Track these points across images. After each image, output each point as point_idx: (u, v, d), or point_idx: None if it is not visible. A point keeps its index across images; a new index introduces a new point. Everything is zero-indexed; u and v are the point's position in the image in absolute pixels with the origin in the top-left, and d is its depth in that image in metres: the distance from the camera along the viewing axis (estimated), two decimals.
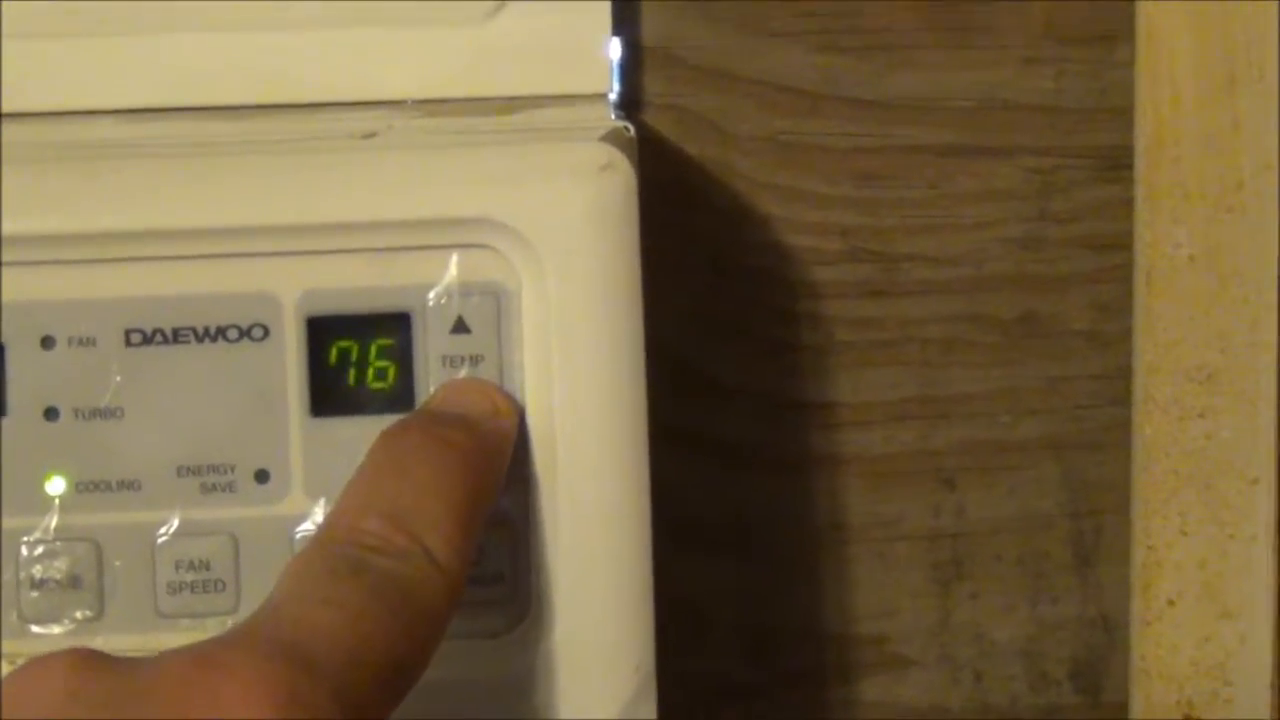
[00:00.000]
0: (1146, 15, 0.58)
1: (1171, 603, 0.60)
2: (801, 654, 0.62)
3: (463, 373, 0.52)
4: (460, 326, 0.52)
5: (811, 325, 0.61)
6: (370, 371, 0.52)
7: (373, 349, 0.52)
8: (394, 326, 0.52)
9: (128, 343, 0.51)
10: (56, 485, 0.52)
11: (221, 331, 0.52)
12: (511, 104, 0.56)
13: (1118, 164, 0.60)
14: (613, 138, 0.51)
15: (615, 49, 0.57)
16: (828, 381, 0.61)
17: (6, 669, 0.51)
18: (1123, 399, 0.61)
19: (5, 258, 0.51)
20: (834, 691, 0.63)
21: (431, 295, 0.52)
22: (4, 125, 0.54)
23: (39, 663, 0.39)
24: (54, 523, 0.52)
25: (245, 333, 0.52)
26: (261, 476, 0.52)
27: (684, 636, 0.60)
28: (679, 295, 0.60)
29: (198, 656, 0.39)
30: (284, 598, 0.42)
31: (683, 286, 0.60)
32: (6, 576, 0.52)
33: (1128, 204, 0.60)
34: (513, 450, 0.50)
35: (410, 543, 0.45)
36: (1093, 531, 0.62)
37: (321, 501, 0.52)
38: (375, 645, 0.41)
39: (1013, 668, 0.63)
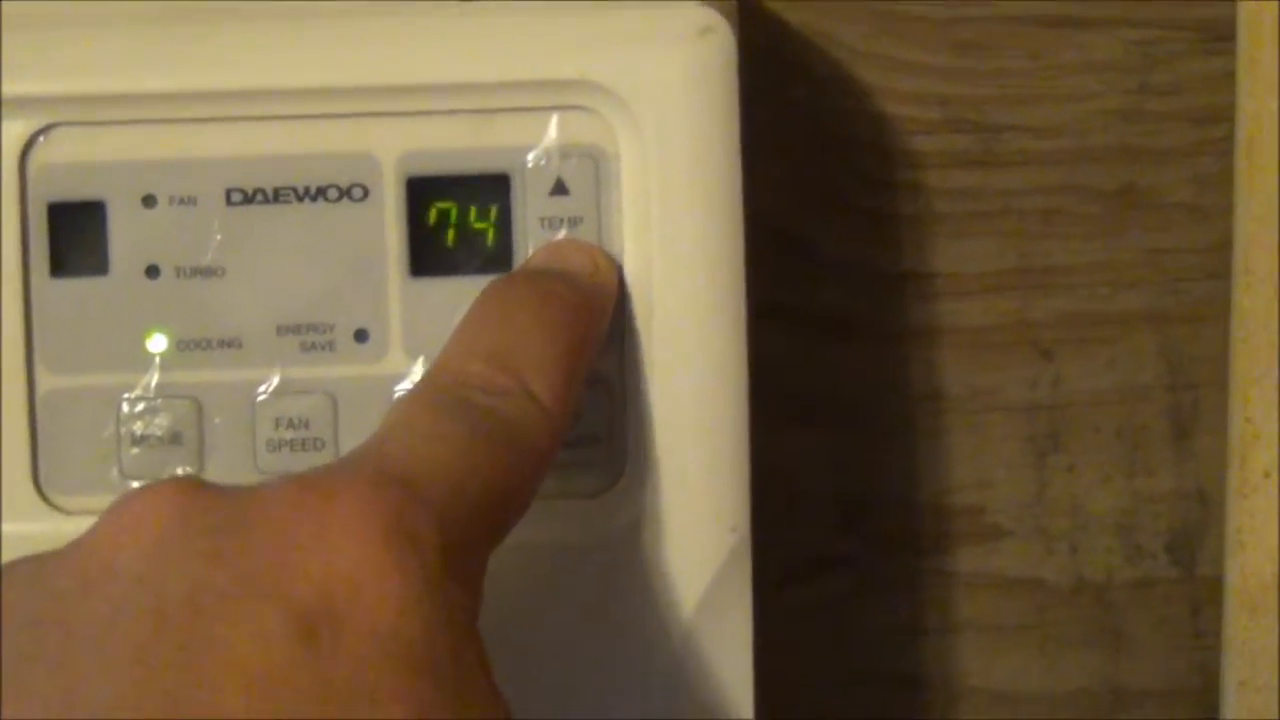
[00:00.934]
0: None
1: (1268, 475, 0.58)
2: (896, 524, 0.61)
3: (561, 234, 0.51)
4: (559, 188, 0.51)
5: (910, 196, 0.60)
6: (469, 232, 0.51)
7: (472, 210, 0.51)
8: (493, 188, 0.51)
9: (229, 202, 0.51)
10: (158, 343, 0.51)
11: (321, 191, 0.51)
12: None
13: (1219, 36, 0.59)
14: (713, 1, 0.50)
15: None
16: (925, 252, 0.60)
17: None
18: (1222, 272, 0.60)
19: (107, 116, 0.51)
20: (928, 562, 0.62)
21: (530, 157, 0.51)
22: None
23: (148, 490, 0.39)
24: (155, 380, 0.51)
25: (345, 193, 0.51)
26: (361, 336, 0.51)
27: (778, 507, 0.59)
28: (776, 165, 0.58)
29: (304, 483, 0.38)
30: (389, 432, 0.42)
31: (780, 156, 0.59)
32: (108, 433, 0.51)
33: (1229, 77, 0.58)
34: (613, 309, 0.49)
35: (514, 383, 0.44)
36: (1190, 404, 0.61)
37: (420, 361, 0.51)
38: (479, 479, 0.41)
39: (1108, 540, 0.62)
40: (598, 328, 0.49)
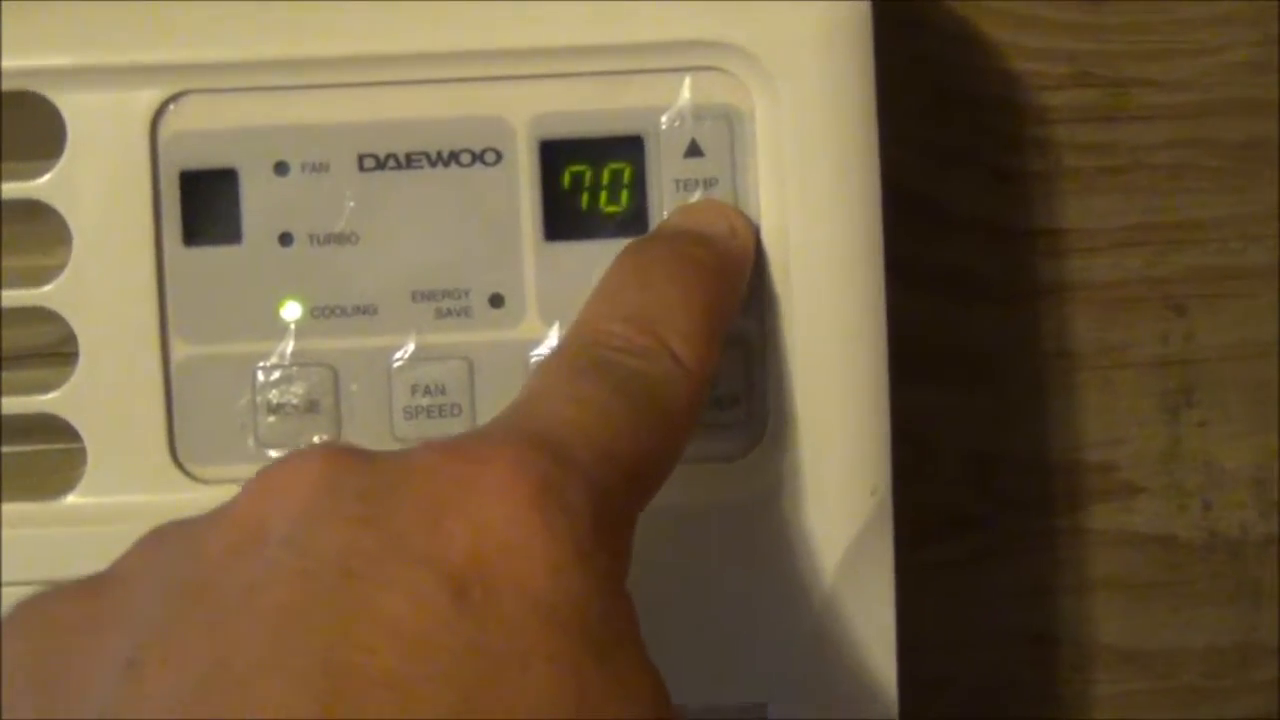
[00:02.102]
0: None
1: None
2: (1027, 483, 0.60)
3: (696, 196, 0.49)
4: (694, 150, 0.49)
5: (1038, 151, 0.58)
6: (603, 195, 0.50)
7: (605, 173, 0.50)
8: (627, 150, 0.50)
9: (361, 168, 0.49)
10: (292, 310, 0.50)
11: (454, 156, 0.49)
12: None
13: None
14: None
15: None
16: (1055, 208, 0.58)
17: None
18: None
19: (238, 83, 0.49)
20: (1060, 520, 0.60)
21: (664, 118, 0.49)
22: None
23: (296, 456, 0.37)
24: (290, 348, 0.50)
25: (478, 157, 0.49)
26: (496, 301, 0.50)
27: (910, 466, 0.58)
28: (904, 122, 0.57)
29: (452, 448, 0.37)
30: (533, 395, 0.41)
31: (907, 113, 0.57)
32: (243, 402, 0.50)
33: None
34: (750, 270, 0.48)
35: (655, 344, 0.43)
36: None
37: (556, 325, 0.50)
38: (625, 441, 0.40)
39: (1242, 495, 0.60)
40: (737, 289, 0.47)
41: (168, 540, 0.38)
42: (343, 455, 0.38)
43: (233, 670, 0.33)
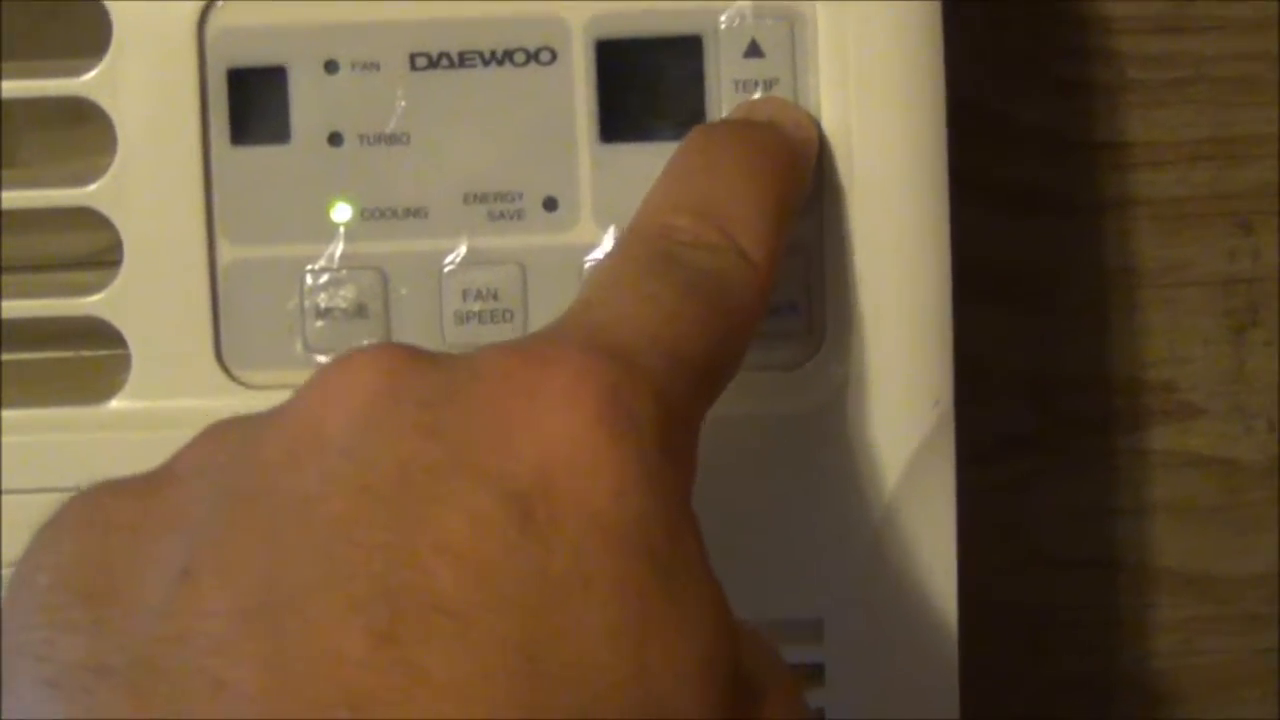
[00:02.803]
0: None
1: None
2: (1088, 401, 0.58)
3: (756, 96, 0.48)
4: (753, 50, 0.48)
5: (1103, 62, 0.56)
6: (660, 96, 0.48)
7: (663, 73, 0.48)
8: (685, 50, 0.48)
9: (412, 67, 0.48)
10: (342, 212, 0.48)
11: (508, 55, 0.48)
12: None
13: None
14: None
15: None
16: (1119, 120, 0.57)
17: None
18: None
19: None
20: (1121, 439, 0.59)
21: (723, 18, 0.48)
22: None
23: (357, 355, 0.36)
24: (339, 250, 0.48)
25: (532, 56, 0.48)
26: (550, 204, 0.48)
27: (968, 384, 0.56)
28: (965, 32, 0.55)
29: (517, 351, 0.35)
30: (598, 294, 0.39)
31: (970, 23, 0.55)
32: (291, 305, 0.49)
33: None
34: (814, 166, 0.46)
35: (722, 238, 0.41)
36: None
37: (611, 229, 0.48)
38: (692, 342, 0.38)
39: None
40: (803, 181, 0.46)
41: (225, 440, 0.36)
42: (405, 357, 0.36)
43: (286, 590, 0.32)
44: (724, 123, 0.47)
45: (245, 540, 0.33)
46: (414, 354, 0.36)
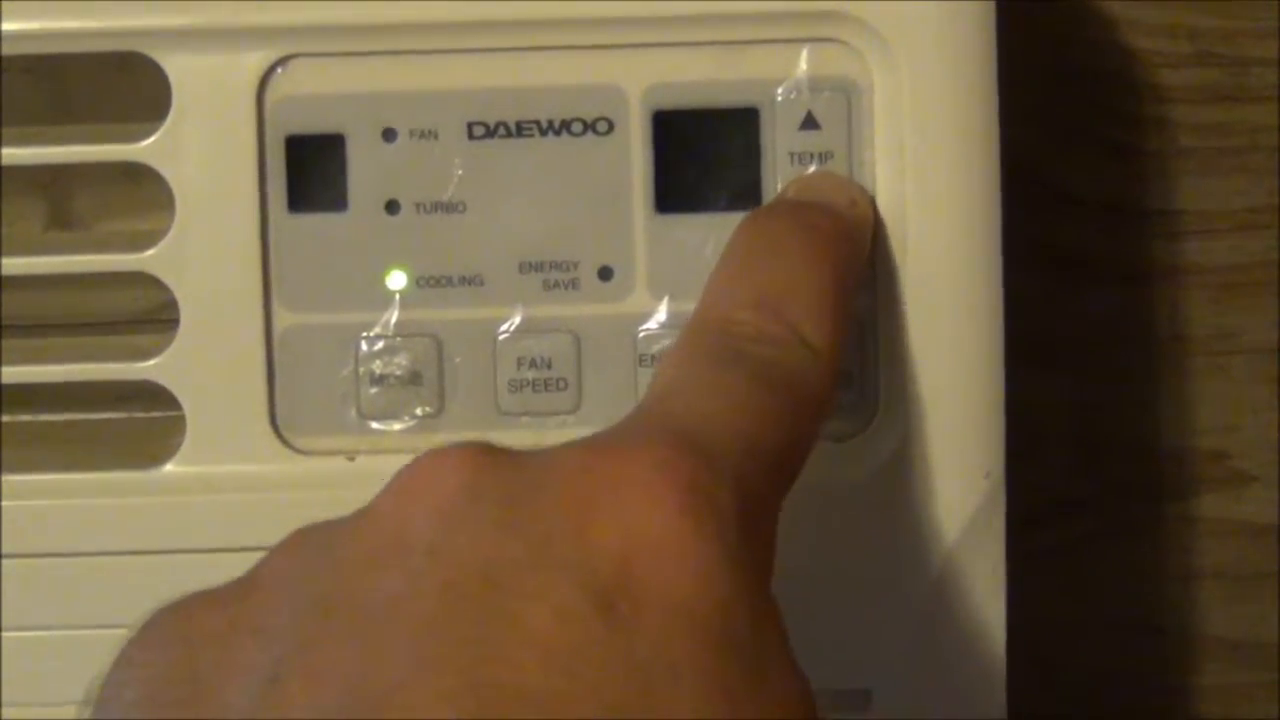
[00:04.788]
0: None
1: None
2: (1138, 468, 0.58)
3: (811, 170, 0.48)
4: (810, 122, 0.48)
5: (1156, 130, 0.56)
6: (716, 168, 0.48)
7: (719, 144, 0.48)
8: (741, 122, 0.48)
9: (470, 135, 0.48)
10: (398, 280, 0.48)
11: (566, 125, 0.48)
12: None
13: None
14: None
15: None
16: (1171, 189, 0.56)
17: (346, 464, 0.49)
18: None
19: (346, 47, 0.48)
20: (1170, 507, 0.58)
21: (780, 90, 0.48)
22: None
23: (436, 455, 0.36)
24: (395, 318, 0.48)
25: (590, 126, 0.48)
26: (605, 274, 0.48)
27: (1018, 448, 0.56)
28: (1021, 98, 0.54)
29: (595, 448, 0.35)
30: (668, 388, 0.39)
31: (1023, 89, 0.55)
32: (346, 372, 0.49)
33: None
34: (871, 243, 0.46)
35: (786, 330, 0.41)
36: None
37: (665, 300, 0.48)
38: (766, 433, 0.38)
39: None
40: (860, 261, 0.46)
41: (308, 545, 0.36)
42: (483, 454, 0.36)
43: (376, 687, 0.32)
44: (779, 205, 0.47)
45: (332, 643, 0.33)
46: (492, 451, 0.36)
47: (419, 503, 0.35)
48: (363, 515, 0.36)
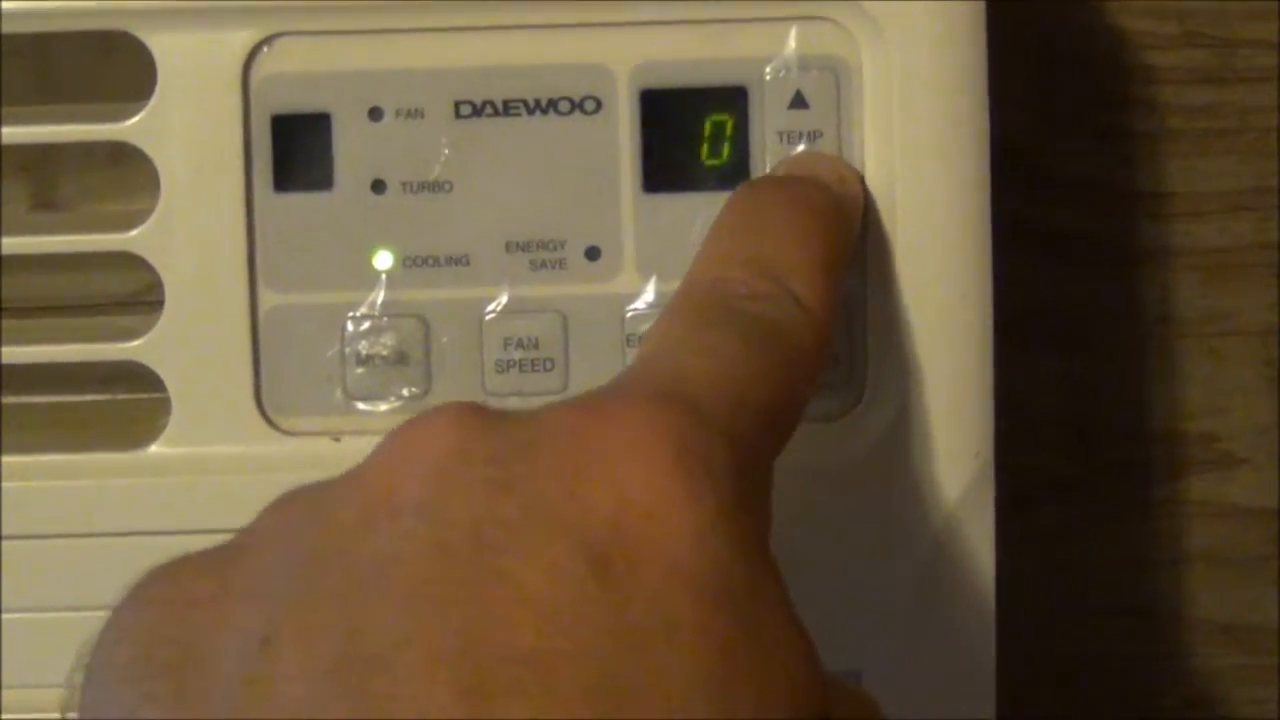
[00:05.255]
0: None
1: None
2: (1127, 450, 0.58)
3: (799, 149, 0.48)
4: (798, 101, 0.48)
5: (1145, 112, 0.56)
6: (704, 147, 0.48)
7: (707, 124, 0.48)
8: (730, 100, 0.48)
9: (457, 115, 0.48)
10: (384, 260, 0.48)
11: (553, 104, 0.48)
12: None
13: None
14: None
15: None
16: (1161, 171, 0.56)
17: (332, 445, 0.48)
18: None
19: (332, 26, 0.48)
20: (1159, 489, 0.58)
21: (769, 69, 0.48)
22: None
23: (426, 416, 0.35)
24: (381, 298, 0.48)
25: (577, 105, 0.48)
26: (592, 253, 0.48)
27: (1007, 430, 0.56)
28: (1009, 80, 0.54)
29: (585, 407, 0.35)
30: (660, 346, 0.39)
31: (1013, 71, 0.55)
32: (332, 353, 0.48)
33: None
34: (861, 219, 0.46)
35: (775, 287, 0.41)
36: None
37: (653, 280, 0.48)
38: (757, 389, 0.38)
39: None
40: (850, 235, 0.46)
41: (298, 507, 0.36)
42: (473, 415, 0.36)
43: (369, 648, 0.32)
44: (768, 179, 0.47)
45: (324, 605, 0.33)
46: (482, 412, 0.36)
47: (410, 463, 0.35)
48: (353, 476, 0.35)
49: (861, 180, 0.47)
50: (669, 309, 0.41)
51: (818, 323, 0.41)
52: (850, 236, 0.46)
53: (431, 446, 0.35)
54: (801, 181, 0.46)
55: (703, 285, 0.42)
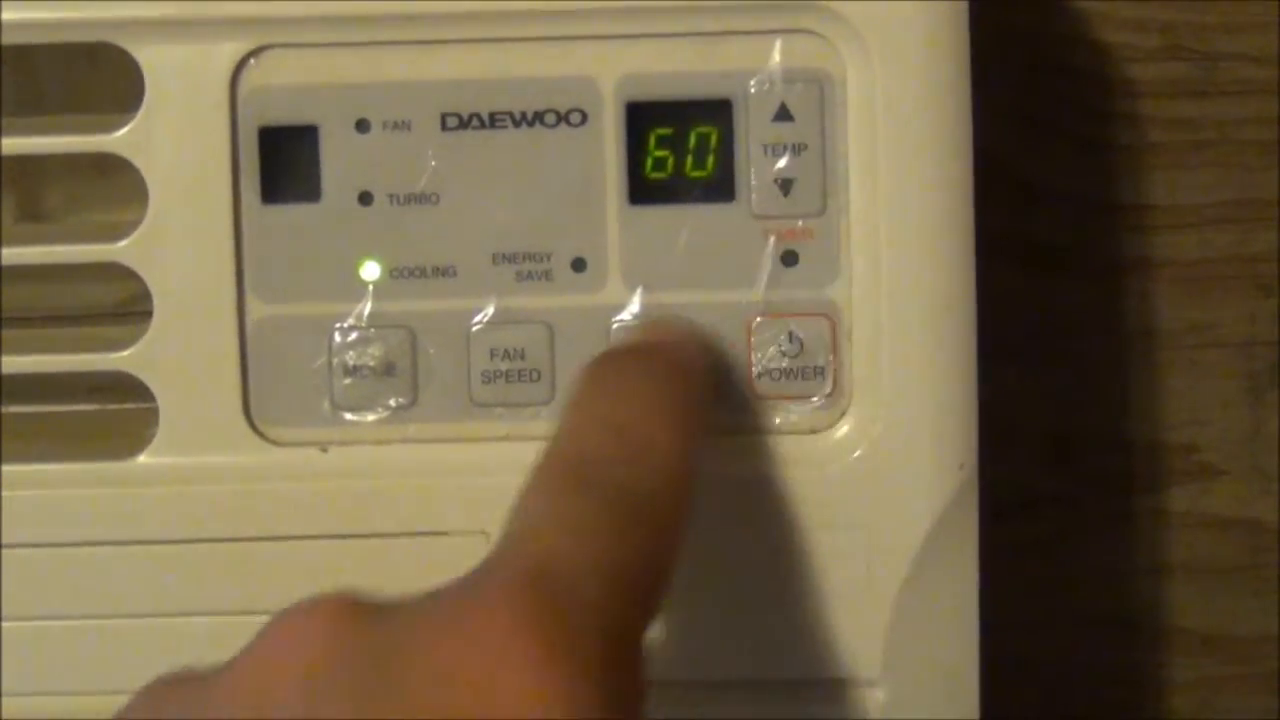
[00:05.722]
0: None
1: None
2: (1107, 462, 0.58)
3: (784, 160, 0.48)
4: (783, 114, 0.48)
5: (1127, 125, 0.56)
6: (689, 159, 0.48)
7: (692, 136, 0.48)
8: (715, 113, 0.48)
9: (443, 127, 0.48)
10: (371, 271, 0.49)
11: (539, 116, 0.48)
12: None
13: None
14: None
15: None
16: (1141, 183, 0.57)
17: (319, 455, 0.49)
18: None
19: (319, 38, 0.48)
20: (1140, 500, 0.58)
21: (753, 81, 0.48)
22: None
23: (300, 611, 0.36)
24: (368, 309, 0.49)
25: (563, 118, 0.48)
26: (578, 265, 0.48)
27: (989, 442, 0.56)
28: (992, 93, 0.55)
29: (457, 604, 0.35)
30: (525, 526, 0.39)
31: (996, 83, 0.55)
32: (319, 363, 0.49)
33: None
34: (713, 377, 0.48)
35: (637, 449, 0.42)
36: None
37: (638, 291, 0.48)
38: (626, 565, 0.38)
39: None
40: (705, 394, 0.46)
41: (170, 703, 0.37)
42: (347, 614, 0.36)
43: None
44: (624, 347, 0.47)
45: None
46: (355, 611, 0.36)
47: (281, 668, 0.35)
48: (229, 671, 0.36)
49: (712, 341, 0.49)
50: (532, 478, 0.41)
51: (679, 486, 0.42)
52: (705, 398, 0.47)
53: (304, 650, 0.35)
54: (656, 347, 0.47)
55: (564, 455, 0.42)
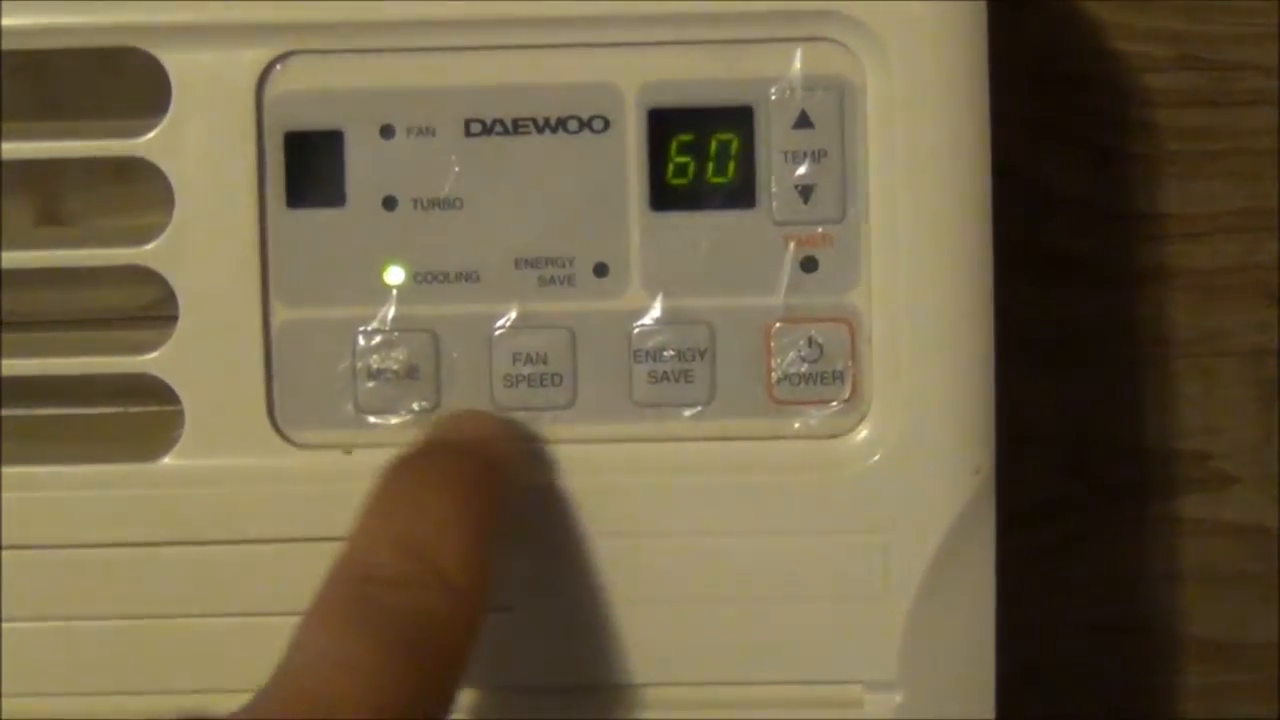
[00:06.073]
0: None
1: None
2: (1121, 469, 0.59)
3: (804, 168, 0.49)
4: (803, 121, 0.49)
5: (1140, 134, 0.57)
6: (710, 165, 0.49)
7: (713, 143, 0.49)
8: (736, 120, 0.49)
9: (467, 132, 0.49)
10: (395, 275, 0.49)
11: (562, 123, 0.49)
12: None
13: None
14: None
15: None
16: (1155, 192, 0.57)
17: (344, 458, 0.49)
18: None
19: (345, 44, 0.49)
20: (1153, 507, 0.59)
21: (774, 89, 0.49)
22: None
23: None
24: (392, 313, 0.49)
25: (586, 124, 0.49)
26: (600, 270, 0.49)
27: (1003, 449, 0.56)
28: (1007, 101, 0.55)
29: None
30: (305, 662, 0.40)
31: (1011, 92, 0.56)
32: (343, 367, 0.49)
33: None
34: (515, 473, 0.48)
35: (425, 570, 0.42)
36: None
37: (659, 297, 0.49)
38: (402, 703, 0.39)
39: None
40: (504, 497, 0.46)
41: None
42: None
43: None
44: (420, 451, 0.47)
45: None
46: None
47: None
48: None
49: (522, 434, 0.49)
50: (318, 599, 0.42)
51: (469, 603, 0.42)
52: (504, 497, 0.46)
53: None
54: (454, 451, 0.47)
55: (348, 576, 0.42)
